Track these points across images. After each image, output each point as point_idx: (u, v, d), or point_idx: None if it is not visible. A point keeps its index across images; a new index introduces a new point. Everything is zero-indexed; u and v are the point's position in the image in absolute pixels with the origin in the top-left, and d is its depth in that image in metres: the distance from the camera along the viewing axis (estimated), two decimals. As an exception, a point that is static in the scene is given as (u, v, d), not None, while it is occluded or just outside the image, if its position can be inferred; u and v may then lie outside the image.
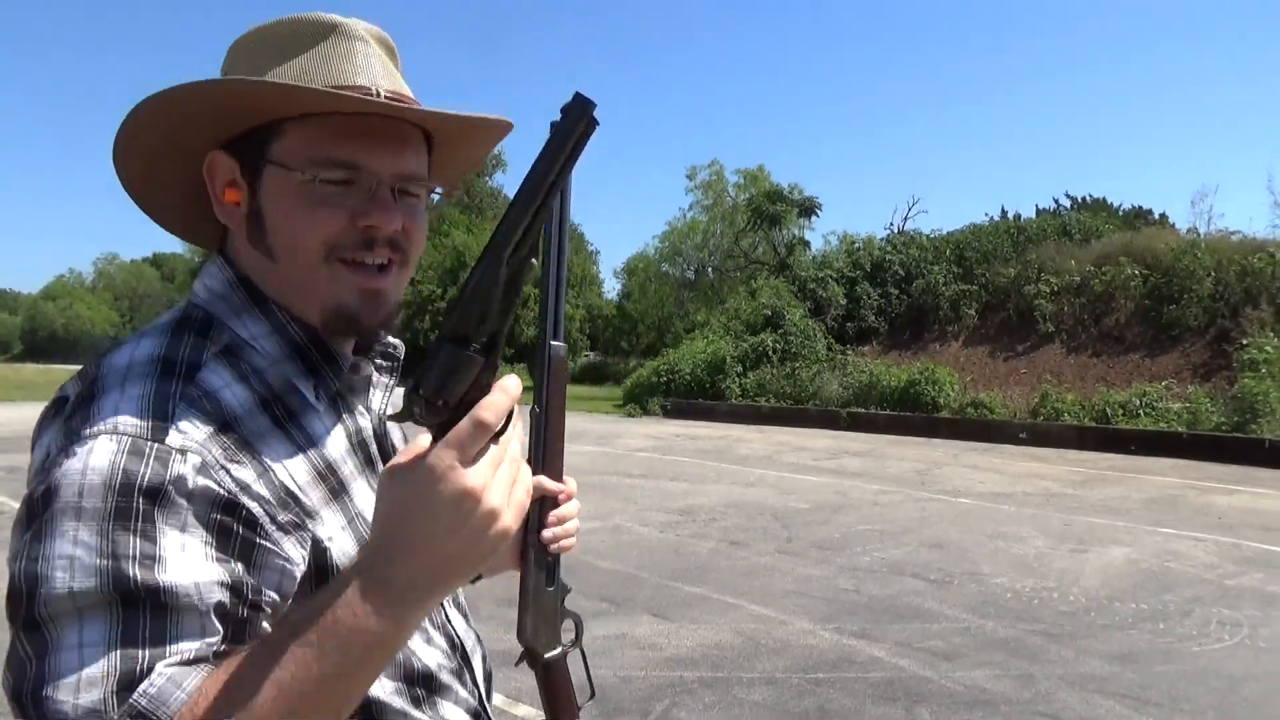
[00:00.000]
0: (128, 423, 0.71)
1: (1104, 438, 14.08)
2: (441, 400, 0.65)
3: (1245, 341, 14.80)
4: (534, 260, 0.66)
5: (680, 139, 73.58)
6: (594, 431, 15.46)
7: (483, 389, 0.66)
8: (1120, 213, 25.98)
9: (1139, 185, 65.38)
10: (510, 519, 0.68)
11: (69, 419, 0.73)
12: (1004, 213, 25.06)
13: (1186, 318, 16.63)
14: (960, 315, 20.11)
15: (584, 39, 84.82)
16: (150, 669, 0.65)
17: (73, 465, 0.68)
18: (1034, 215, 25.00)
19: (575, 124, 0.65)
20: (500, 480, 0.67)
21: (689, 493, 9.53)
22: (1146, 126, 59.05)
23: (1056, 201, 26.84)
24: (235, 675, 0.64)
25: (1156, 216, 26.33)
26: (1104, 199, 28.31)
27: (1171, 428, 13.91)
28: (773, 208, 25.72)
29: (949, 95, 71.92)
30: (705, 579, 6.08)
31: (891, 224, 26.66)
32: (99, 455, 0.68)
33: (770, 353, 19.78)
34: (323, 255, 0.82)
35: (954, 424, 15.96)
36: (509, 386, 0.67)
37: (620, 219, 73.99)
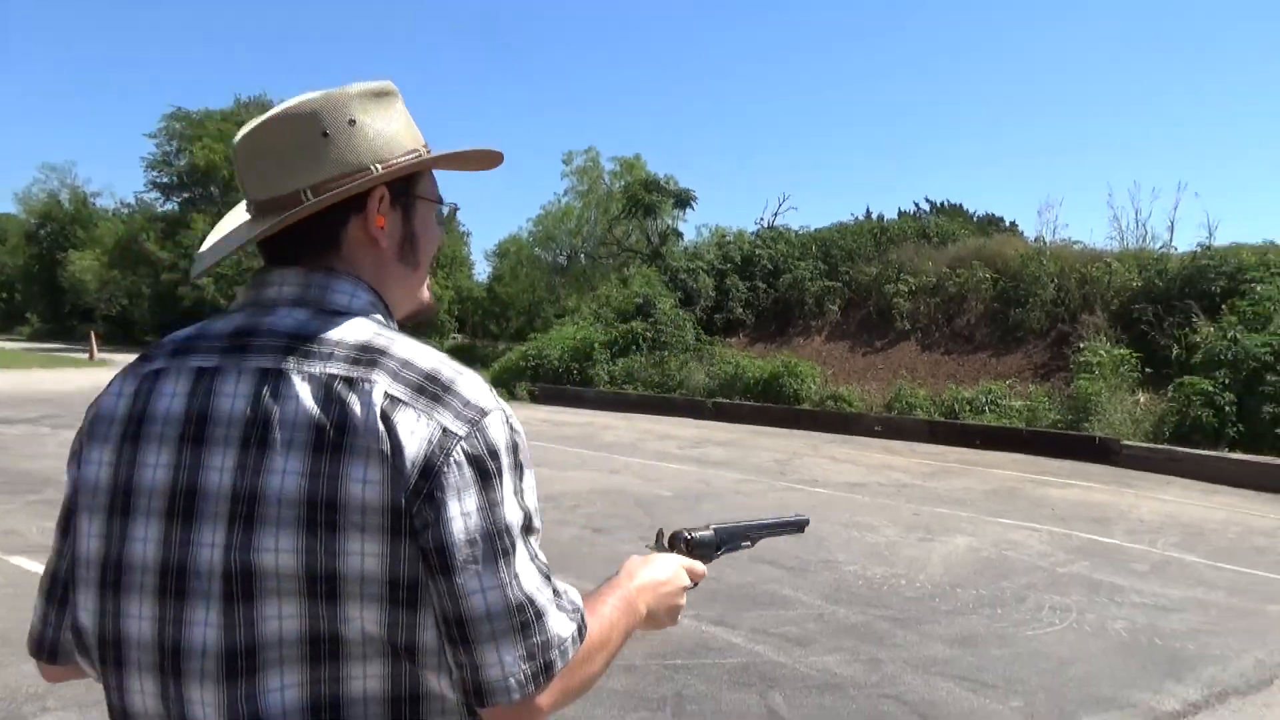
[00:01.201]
0: (496, 403, 0.95)
1: (952, 432, 14.78)
2: (690, 547, 1.38)
3: (1081, 345, 15.78)
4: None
5: (556, 123, 73.24)
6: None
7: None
8: (974, 219, 27.25)
9: (992, 194, 69.08)
10: (679, 614, 1.31)
11: (442, 404, 0.91)
12: (868, 213, 25.94)
13: (1030, 321, 17.60)
14: (824, 310, 20.72)
15: (463, 16, 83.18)
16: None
17: (492, 435, 0.92)
18: (896, 217, 25.97)
19: (796, 528, 1.67)
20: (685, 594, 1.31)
21: (552, 479, 9.48)
22: (999, 139, 62.46)
23: (916, 205, 27.90)
24: (597, 614, 1.04)
25: (1007, 224, 27.74)
26: (960, 205, 29.65)
27: (1013, 424, 14.71)
28: (648, 197, 25.86)
29: (821, 96, 74.04)
30: (566, 567, 6.05)
31: (762, 219, 27.24)
32: (498, 429, 0.93)
33: (640, 341, 19.91)
34: (430, 268, 1.14)
35: (814, 416, 16.45)
36: (699, 569, 1.37)
37: (493, 201, 72.89)
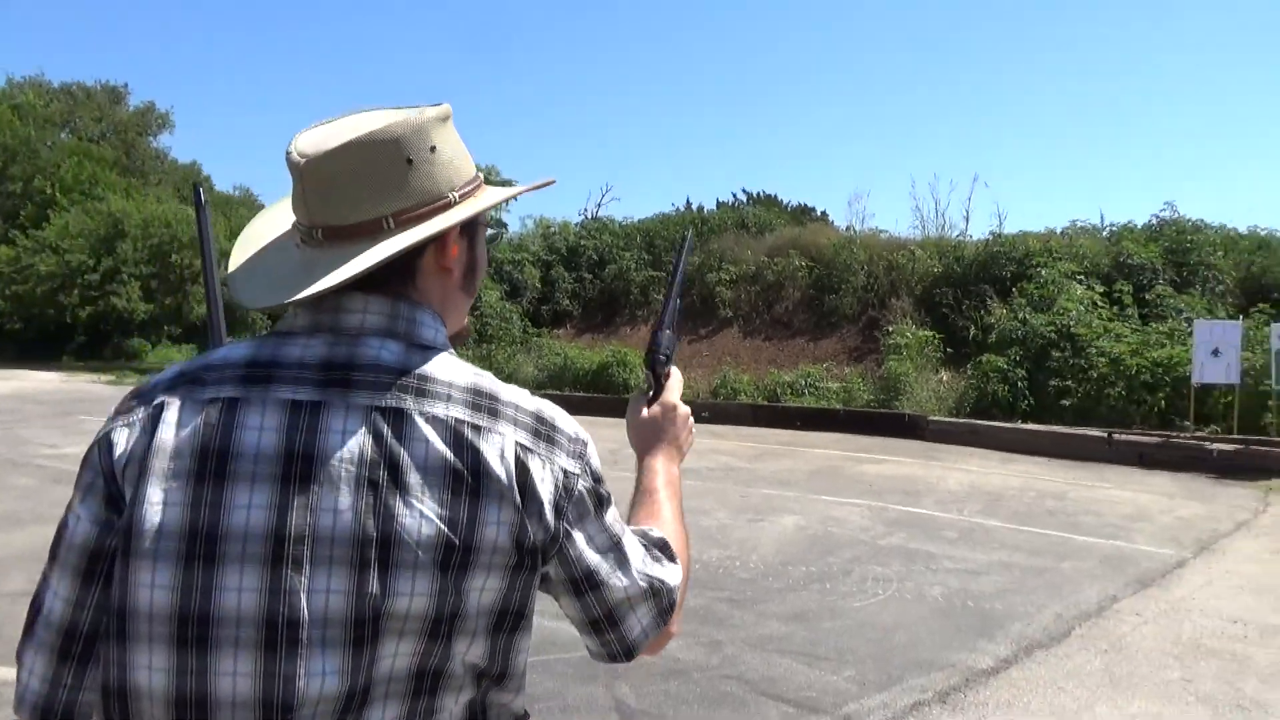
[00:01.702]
0: (582, 430, 1.01)
1: (774, 415, 15.34)
2: (669, 360, 1.40)
3: (890, 328, 16.74)
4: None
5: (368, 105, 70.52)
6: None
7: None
8: (789, 209, 28.38)
9: (805, 185, 72.05)
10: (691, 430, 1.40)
11: (557, 445, 0.97)
12: (689, 204, 26.57)
13: (843, 306, 18.51)
14: (649, 300, 21.04)
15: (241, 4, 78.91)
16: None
17: (595, 465, 1.01)
18: (715, 208, 26.68)
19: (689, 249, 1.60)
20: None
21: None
22: (811, 131, 65.36)
23: (734, 196, 28.80)
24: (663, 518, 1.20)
25: (819, 214, 29.04)
26: (775, 195, 30.80)
27: (830, 405, 15.43)
28: (470, 187, 25.41)
29: (641, 87, 74.99)
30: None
31: (586, 210, 27.35)
32: (595, 457, 1.01)
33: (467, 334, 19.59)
34: None
35: (644, 404, 16.67)
36: (677, 373, 1.42)
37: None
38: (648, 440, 1.33)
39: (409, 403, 0.91)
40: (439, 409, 0.92)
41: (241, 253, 1.06)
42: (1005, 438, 12.69)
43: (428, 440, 0.90)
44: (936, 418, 13.92)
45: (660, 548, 1.10)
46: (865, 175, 70.02)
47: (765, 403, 16.07)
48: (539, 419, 0.97)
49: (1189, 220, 16.82)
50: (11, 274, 28.90)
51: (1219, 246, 15.93)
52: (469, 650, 0.91)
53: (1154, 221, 17.25)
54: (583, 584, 1.00)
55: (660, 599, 1.06)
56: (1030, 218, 53.67)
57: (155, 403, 0.93)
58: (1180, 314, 14.13)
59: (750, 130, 66.25)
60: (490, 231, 1.32)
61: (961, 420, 13.82)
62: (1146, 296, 14.95)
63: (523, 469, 0.93)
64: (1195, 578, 6.24)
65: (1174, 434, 11.88)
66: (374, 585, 0.87)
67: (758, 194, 30.11)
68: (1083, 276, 15.55)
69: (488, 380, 0.97)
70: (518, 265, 21.87)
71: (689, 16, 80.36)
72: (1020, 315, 14.90)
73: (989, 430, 13.03)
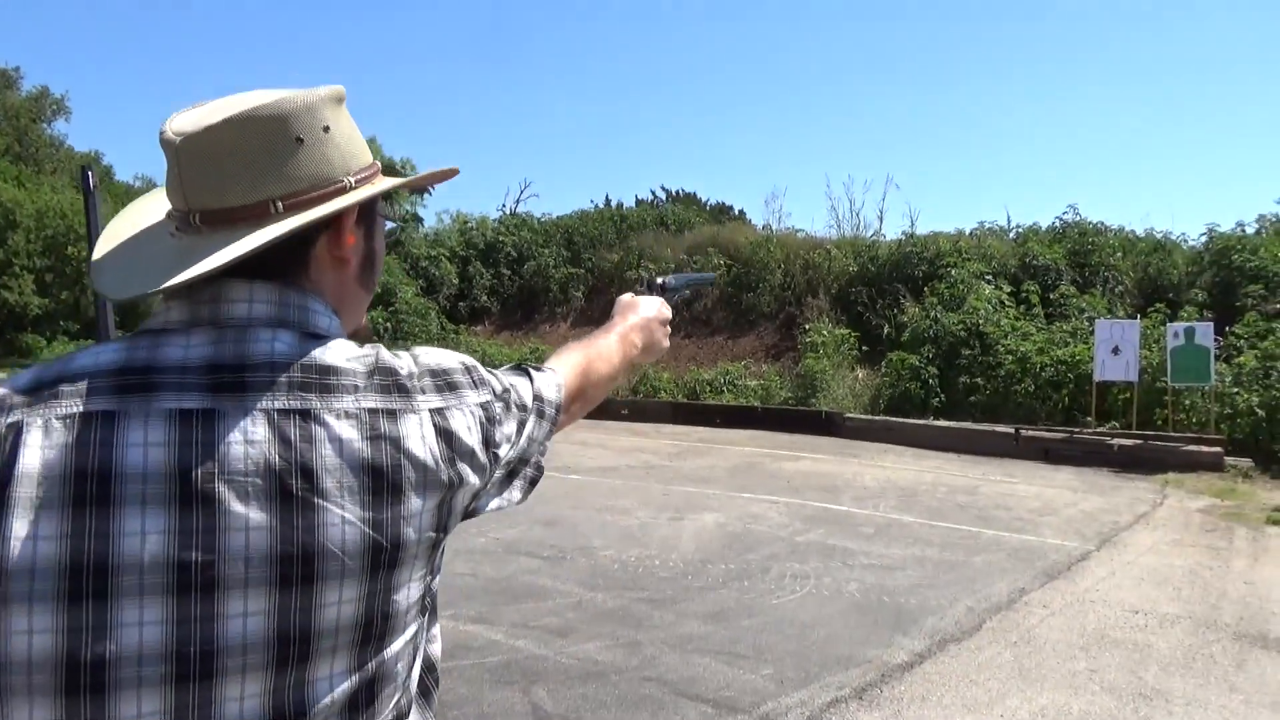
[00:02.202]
0: (465, 356, 0.98)
1: (694, 412, 15.39)
2: (664, 290, 1.59)
3: (807, 327, 16.95)
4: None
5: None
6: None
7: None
8: (708, 207, 28.55)
9: (723, 183, 72.75)
10: (668, 345, 1.49)
11: (457, 386, 0.93)
12: (608, 201, 26.48)
13: (761, 304, 18.67)
14: (569, 297, 20.92)
15: (170, -20, 75.93)
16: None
17: (488, 378, 0.98)
18: (634, 205, 26.67)
19: (709, 283, 2.16)
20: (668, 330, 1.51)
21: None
22: (729, 129, 66.06)
23: (654, 193, 28.83)
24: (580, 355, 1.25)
25: (737, 213, 29.29)
26: (694, 194, 30.96)
27: (749, 403, 15.56)
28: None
29: (561, 84, 74.65)
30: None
31: (504, 206, 27.07)
32: (489, 373, 1.00)
33: (380, 331, 19.18)
34: None
35: (563, 402, 16.57)
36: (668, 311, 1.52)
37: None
38: (626, 308, 1.46)
39: (314, 401, 0.85)
40: (348, 403, 0.86)
41: (108, 241, 0.96)
42: (918, 434, 12.96)
43: (341, 439, 0.84)
44: (853, 415, 14.14)
45: (542, 369, 1.13)
46: (782, 174, 71.04)
47: (685, 400, 16.12)
48: (435, 374, 0.93)
49: (1090, 223, 17.41)
50: (-109, 266, 27.34)
51: (1118, 248, 16.53)
52: (402, 648, 0.89)
53: (1058, 224, 17.81)
54: (511, 468, 1.03)
55: (544, 415, 1.08)
56: (941, 218, 55.16)
57: (11, 421, 0.81)
58: (1083, 313, 14.61)
59: (670, 128, 66.62)
60: (390, 225, 1.24)
61: (877, 417, 14.06)
62: (1051, 296, 15.42)
63: (445, 435, 0.90)
64: (1099, 569, 6.44)
65: (1077, 430, 12.29)
66: (298, 601, 0.81)
67: (677, 192, 30.22)
68: (991, 277, 15.97)
69: (385, 356, 0.91)
70: (434, 261, 21.52)
71: (609, 12, 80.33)
72: (932, 314, 15.22)
73: (903, 427, 13.29)
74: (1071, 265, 16.21)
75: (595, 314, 20.62)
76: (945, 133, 59.17)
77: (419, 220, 26.42)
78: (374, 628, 0.86)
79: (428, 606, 0.94)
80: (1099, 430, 12.19)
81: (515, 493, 1.05)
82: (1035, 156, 55.41)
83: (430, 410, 0.90)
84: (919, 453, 12.19)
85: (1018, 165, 54.48)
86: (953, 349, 14.52)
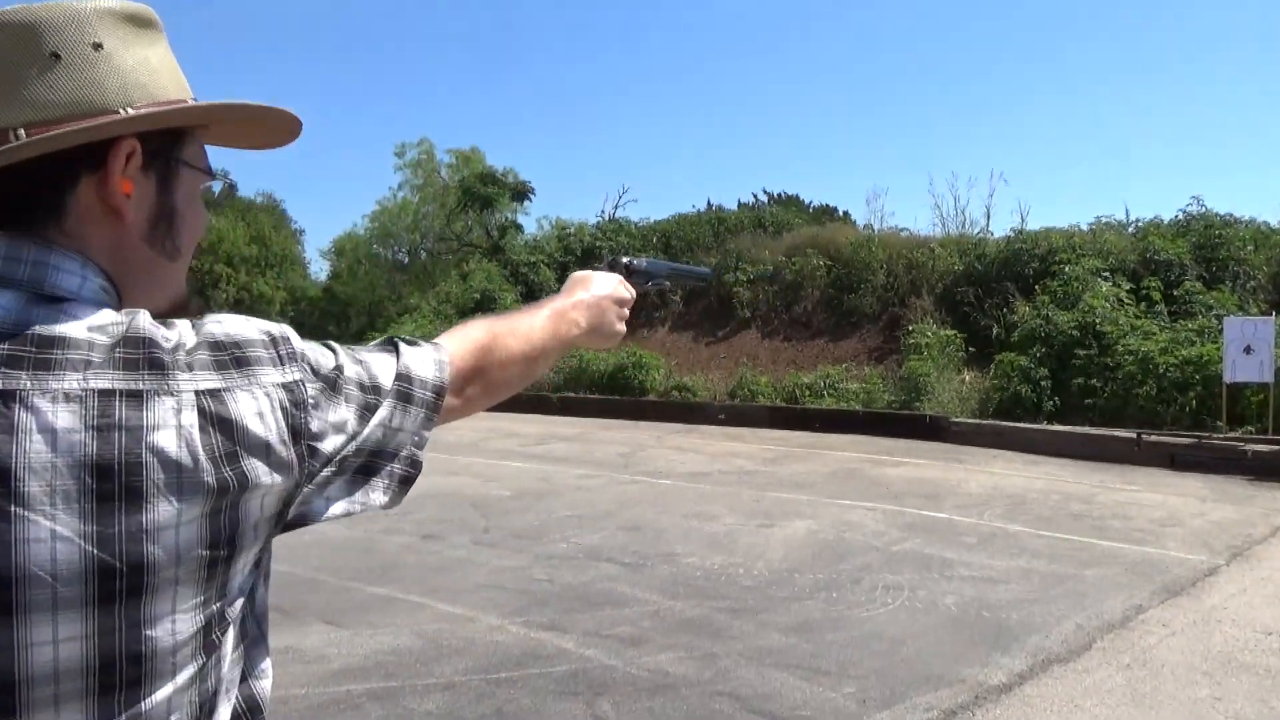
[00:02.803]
0: (271, 325, 0.80)
1: (793, 417, 15.02)
2: (630, 272, 1.40)
3: (911, 328, 16.36)
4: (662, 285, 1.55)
5: (387, 115, 70.88)
6: (289, 422, 14.32)
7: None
8: (810, 209, 28.04)
9: (826, 185, 71.49)
10: (624, 330, 1.30)
11: (250, 361, 0.76)
12: (710, 205, 26.23)
13: (863, 306, 18.14)
14: (667, 301, 20.75)
15: (288, 3, 79.25)
16: None
17: (306, 353, 0.81)
18: (735, 208, 26.38)
19: (701, 280, 1.80)
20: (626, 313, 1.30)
21: (385, 484, 9.01)
22: (831, 130, 64.91)
23: (755, 196, 28.49)
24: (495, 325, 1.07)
25: (840, 213, 28.69)
26: (797, 196, 30.51)
27: (850, 406, 15.09)
28: (484, 190, 25.29)
29: (662, 88, 74.79)
30: (391, 578, 5.67)
31: (603, 211, 27.13)
32: (306, 344, 0.84)
33: (481, 338, 19.45)
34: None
35: (660, 406, 16.42)
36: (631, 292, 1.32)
37: (325, 197, 69.83)
38: (575, 284, 1.27)
39: (24, 380, 0.67)
40: (71, 382, 0.68)
41: None
42: (1030, 439, 12.31)
43: (56, 430, 0.67)
44: (959, 419, 13.55)
45: (418, 344, 0.95)
46: (885, 174, 69.35)
47: (784, 404, 15.76)
48: (216, 346, 0.74)
49: (1218, 214, 16.29)
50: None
51: (1250, 240, 15.40)
52: (173, 696, 0.71)
53: (1181, 216, 16.73)
54: (360, 464, 0.84)
55: (413, 399, 0.89)
56: (1053, 214, 52.89)
57: None
58: (1210, 310, 13.65)
59: (772, 131, 65.88)
60: (210, 183, 0.79)
61: (985, 421, 13.43)
62: (1175, 293, 14.46)
63: (219, 423, 0.71)
64: (1228, 586, 5.89)
65: (1207, 434, 11.44)
66: None
67: (779, 194, 29.81)
68: (1108, 273, 15.09)
69: (143, 324, 0.72)
70: (533, 267, 21.68)
71: (710, 17, 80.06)
72: (1044, 313, 14.47)
73: (1013, 431, 12.65)
74: (1197, 260, 15.17)
75: (693, 317, 20.44)
76: (1056, 125, 56.82)
77: (519, 228, 26.73)
78: (118, 673, 0.68)
79: (216, 642, 0.74)
80: (1231, 435, 11.32)
81: (376, 494, 0.86)
82: (1155, 146, 52.64)
83: (198, 392, 0.71)
84: (1030, 458, 11.56)
85: (1137, 156, 51.79)
86: (1066, 350, 13.75)
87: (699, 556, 6.39)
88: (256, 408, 0.73)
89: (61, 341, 0.69)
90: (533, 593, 5.41)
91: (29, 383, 0.67)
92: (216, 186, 0.91)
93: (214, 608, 0.73)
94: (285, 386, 0.76)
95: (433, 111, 67.11)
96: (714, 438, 13.72)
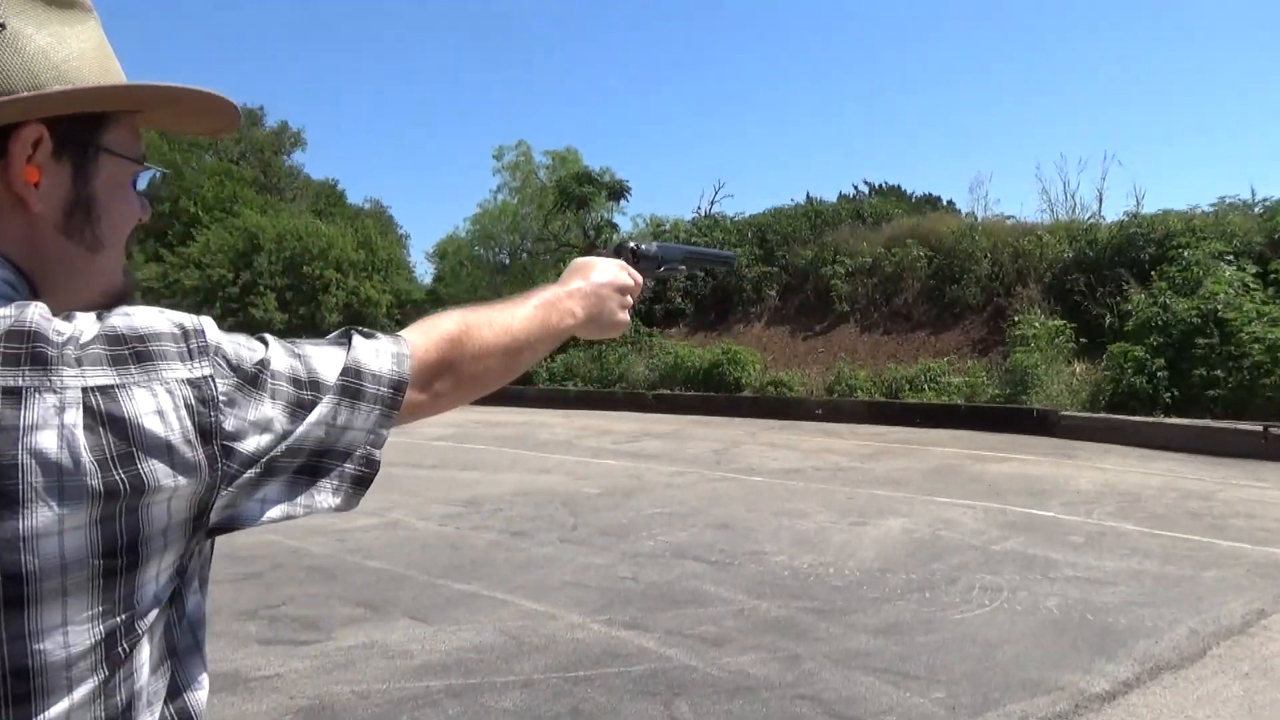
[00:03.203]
0: (183, 317, 0.76)
1: (892, 412, 14.66)
2: (636, 257, 1.35)
3: (1017, 318, 15.76)
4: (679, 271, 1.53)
5: (490, 118, 72.13)
6: (391, 421, 14.66)
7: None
8: (912, 199, 27.28)
9: (928, 174, 69.78)
10: (627, 320, 1.24)
11: (153, 356, 0.71)
12: (809, 198, 25.79)
13: (967, 297, 17.57)
14: (763, 296, 20.54)
15: (394, 14, 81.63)
16: None
17: (221, 344, 0.76)
18: (835, 200, 25.87)
19: (723, 264, 1.66)
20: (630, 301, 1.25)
21: (479, 482, 9.13)
22: (932, 117, 63.22)
23: (855, 188, 27.85)
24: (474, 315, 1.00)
25: (944, 203, 27.82)
26: (898, 186, 29.70)
27: (952, 400, 14.63)
28: (580, 190, 25.46)
29: (758, 83, 74.11)
30: (478, 574, 5.71)
31: (698, 207, 27.00)
32: (217, 335, 0.78)
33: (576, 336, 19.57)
34: (126, 246, 0.84)
35: (755, 403, 16.25)
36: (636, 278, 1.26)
37: (428, 201, 71.70)
38: (574, 271, 1.21)
39: None
40: None
41: None
42: (1146, 433, 11.71)
43: None
44: (1069, 412, 13.00)
45: (375, 336, 0.88)
46: (989, 159, 67.13)
47: (883, 399, 15.40)
48: (114, 339, 0.69)
49: (1357, 191, 15.17)
50: (160, 289, 30.79)
51: (1393, 219, 14.32)
52: (70, 711, 0.67)
53: (1316, 194, 15.66)
54: (301, 465, 0.79)
55: (363, 395, 0.82)
56: (1171, 195, 50.37)
57: None
58: (1348, 295, 12.74)
59: (873, 122, 64.54)
60: (151, 171, 0.87)
61: (1097, 415, 12.85)
62: (1307, 277, 13.56)
63: (110, 422, 0.66)
64: (1363, 590, 5.45)
65: (1343, 427, 10.67)
66: None
67: (880, 185, 29.09)
68: (1232, 256, 14.23)
69: (33, 317, 0.67)
70: (629, 265, 21.75)
71: (810, 6, 78.90)
72: (1161, 300, 13.74)
73: (1127, 425, 12.06)
74: (1333, 240, 14.19)
75: (790, 311, 20.15)
76: (1174, 102, 54.02)
77: (615, 227, 26.82)
78: (4, 689, 0.64)
79: (123, 655, 0.69)
80: (1370, 428, 10.53)
81: (323, 496, 0.80)
82: (1288, 122, 49.36)
83: (85, 389, 0.66)
84: (1145, 453, 10.99)
85: (1264, 130, 48.76)
86: (1186, 338, 13.02)
87: (788, 555, 6.25)
88: (156, 405, 0.69)
89: None
90: (616, 591, 5.38)
91: None
92: (146, 176, 0.85)
93: (118, 619, 0.68)
94: (192, 383, 0.71)
95: (530, 114, 68.11)
96: (809, 434, 13.48)
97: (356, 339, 0.85)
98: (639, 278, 1.26)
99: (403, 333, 0.92)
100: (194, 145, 38.12)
